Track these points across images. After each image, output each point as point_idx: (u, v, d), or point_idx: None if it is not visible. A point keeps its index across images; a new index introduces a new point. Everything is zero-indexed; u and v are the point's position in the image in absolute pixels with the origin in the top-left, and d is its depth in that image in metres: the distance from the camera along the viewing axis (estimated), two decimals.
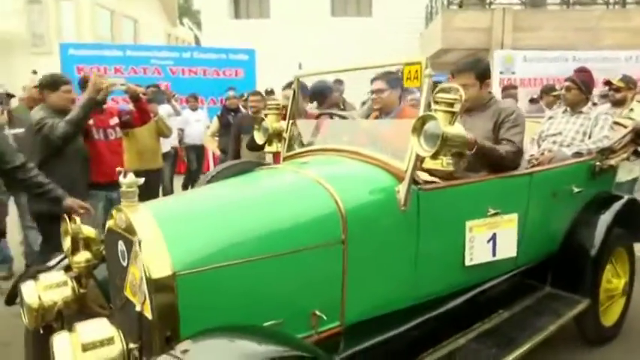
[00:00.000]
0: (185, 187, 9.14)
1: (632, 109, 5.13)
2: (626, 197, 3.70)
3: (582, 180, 3.50)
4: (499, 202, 2.88)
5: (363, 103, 6.14)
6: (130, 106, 4.96)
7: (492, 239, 2.89)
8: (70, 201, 3.27)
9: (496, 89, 13.20)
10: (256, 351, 1.87)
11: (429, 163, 2.39)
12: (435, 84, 2.52)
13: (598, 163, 3.57)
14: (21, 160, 3.26)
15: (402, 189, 2.47)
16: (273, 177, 2.74)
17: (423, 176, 2.67)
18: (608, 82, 5.30)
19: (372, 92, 3.72)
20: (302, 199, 2.42)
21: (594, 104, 5.17)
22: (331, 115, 3.35)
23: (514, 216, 2.96)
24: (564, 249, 3.44)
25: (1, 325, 3.86)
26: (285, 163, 3.10)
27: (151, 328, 1.97)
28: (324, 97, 4.97)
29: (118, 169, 2.68)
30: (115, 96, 7.01)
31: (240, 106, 7.92)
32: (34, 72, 15.04)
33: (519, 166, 3.16)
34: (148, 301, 1.91)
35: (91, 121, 4.32)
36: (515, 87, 9.47)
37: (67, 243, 2.51)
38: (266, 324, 2.15)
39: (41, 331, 2.38)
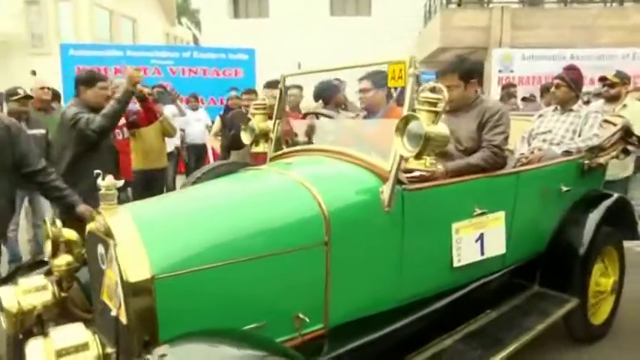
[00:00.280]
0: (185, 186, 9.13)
1: (625, 105, 5.10)
2: (615, 195, 3.67)
3: (571, 179, 3.48)
4: (485, 201, 2.86)
5: None
6: (137, 107, 5.01)
7: (480, 239, 2.87)
8: (83, 207, 3.24)
9: (494, 88, 13.24)
10: (234, 355, 1.86)
11: (412, 164, 2.36)
12: (420, 83, 2.49)
13: (587, 162, 3.55)
14: (42, 164, 3.26)
15: (386, 189, 2.45)
16: (256, 178, 2.71)
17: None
18: (603, 78, 5.26)
19: (359, 91, 3.70)
20: (284, 200, 2.40)
21: (586, 102, 5.15)
22: (317, 115, 3.32)
23: (501, 214, 2.95)
24: (553, 248, 3.42)
25: None
26: (269, 163, 3.08)
27: (128, 332, 1.95)
28: (329, 96, 4.96)
29: (96, 171, 2.66)
30: None
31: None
32: (33, 72, 15.01)
33: (505, 166, 3.14)
34: (123, 306, 1.89)
35: None
36: (514, 85, 9.45)
37: (47, 246, 2.48)
38: (248, 327, 2.13)
39: (21, 337, 2.35)
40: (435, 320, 2.80)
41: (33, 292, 2.37)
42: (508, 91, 8.34)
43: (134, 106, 5.05)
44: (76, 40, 19.05)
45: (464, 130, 3.11)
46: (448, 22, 17.22)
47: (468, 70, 3.16)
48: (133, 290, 1.90)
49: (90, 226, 2.26)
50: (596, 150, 3.61)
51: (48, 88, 5.61)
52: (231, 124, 5.64)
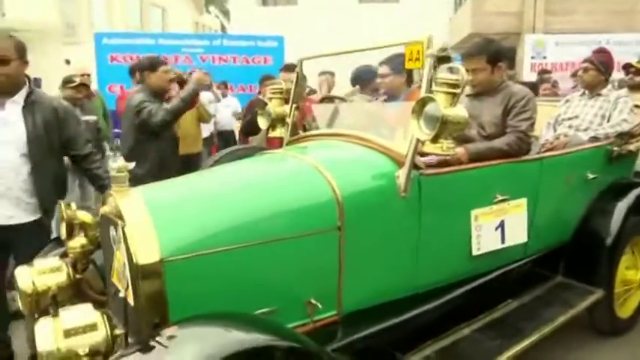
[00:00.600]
0: None
1: None
2: None
3: (598, 166, 3.36)
4: (507, 187, 2.78)
5: None
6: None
7: (501, 226, 2.79)
8: None
9: (527, 74, 12.96)
10: (243, 339, 1.82)
11: (429, 147, 2.29)
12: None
13: (616, 149, 3.42)
14: (87, 150, 3.32)
15: (401, 174, 2.39)
16: (270, 162, 2.68)
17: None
18: (628, 65, 5.07)
19: (379, 77, 3.63)
20: (297, 184, 2.35)
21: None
22: (332, 99, 3.27)
23: (523, 200, 2.85)
24: (578, 237, 3.32)
25: None
26: (285, 148, 3.04)
27: (137, 314, 1.94)
28: (367, 81, 4.92)
29: (108, 152, 2.68)
30: None
31: None
32: (67, 61, 15.24)
33: (530, 152, 3.03)
34: (131, 288, 1.88)
35: None
36: (549, 71, 9.22)
37: (62, 228, 2.50)
38: (259, 312, 2.11)
39: (37, 317, 2.37)
40: (453, 309, 2.74)
41: (48, 273, 2.39)
42: (543, 77, 8.09)
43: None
44: (108, 28, 19.29)
45: (487, 116, 3.02)
46: (480, 7, 16.93)
47: (495, 53, 3.06)
48: (142, 272, 1.89)
49: (103, 209, 2.26)
50: (625, 136, 3.48)
51: (88, 75, 5.70)
52: (249, 110, 5.66)
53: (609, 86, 3.81)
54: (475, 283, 2.83)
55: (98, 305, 2.43)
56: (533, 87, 6.52)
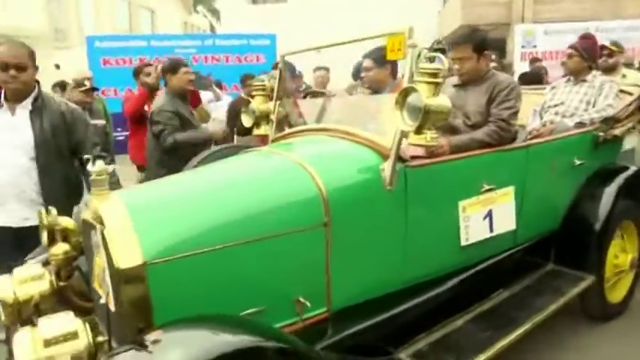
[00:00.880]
0: None
1: (624, 76, 4.95)
2: (633, 168, 3.52)
3: (584, 152, 3.35)
4: (494, 176, 2.76)
5: None
6: None
7: (489, 215, 2.77)
8: None
9: (518, 63, 12.97)
10: (229, 341, 1.79)
11: (412, 138, 2.27)
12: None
13: (601, 134, 3.41)
14: (95, 153, 3.24)
15: (387, 167, 2.36)
16: (253, 160, 2.64)
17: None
18: (603, 47, 5.05)
19: (362, 70, 3.60)
20: (281, 182, 2.32)
21: None
22: (315, 94, 3.24)
23: (510, 189, 2.84)
24: (567, 224, 3.31)
25: None
26: (269, 145, 3.00)
27: (120, 320, 1.91)
28: None
29: (86, 156, 2.64)
30: None
31: None
32: (57, 66, 15.15)
33: (514, 141, 3.01)
34: (111, 293, 1.85)
35: (146, 107, 4.66)
36: (540, 59, 9.19)
37: (44, 235, 2.45)
38: (246, 312, 2.07)
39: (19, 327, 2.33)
40: (445, 301, 2.73)
41: (29, 281, 2.32)
42: (536, 65, 8.02)
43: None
44: (96, 32, 19.20)
45: (472, 105, 3.00)
46: None
47: (481, 42, 3.05)
48: (124, 277, 1.84)
49: (84, 214, 2.22)
50: (610, 121, 3.46)
51: (89, 79, 5.69)
52: (233, 110, 5.64)
53: (594, 72, 3.79)
54: (466, 274, 2.81)
55: (84, 312, 2.42)
56: (539, 77, 6.45)
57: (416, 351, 2.49)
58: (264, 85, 3.19)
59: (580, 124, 3.40)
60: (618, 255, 3.46)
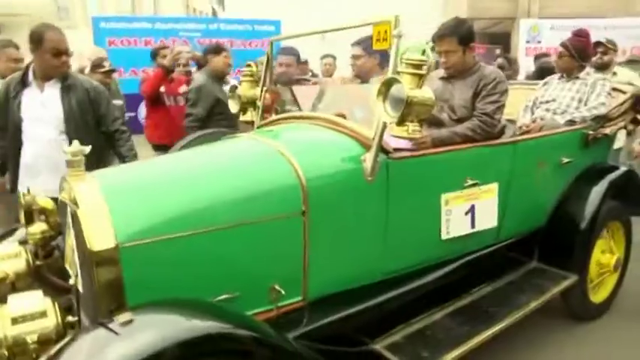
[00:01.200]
0: None
1: (614, 73, 4.93)
2: (622, 168, 3.49)
3: (573, 150, 3.31)
4: (478, 172, 2.73)
5: None
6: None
7: (471, 211, 2.74)
8: None
9: (522, 59, 12.88)
10: (198, 326, 1.77)
11: (394, 130, 2.25)
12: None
13: (591, 132, 3.36)
14: (116, 127, 3.55)
15: (368, 158, 2.33)
16: (234, 146, 2.60)
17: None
18: (598, 44, 5.00)
19: (351, 58, 3.56)
20: (261, 169, 2.30)
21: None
22: (299, 81, 3.21)
23: (494, 185, 2.80)
24: (552, 222, 3.28)
25: None
26: (253, 131, 2.98)
27: (93, 301, 1.90)
28: None
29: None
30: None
31: None
32: None
33: (501, 137, 2.99)
34: (79, 275, 1.84)
35: (162, 89, 4.86)
36: (548, 55, 9.08)
37: (21, 214, 2.44)
38: (220, 297, 2.07)
39: None
40: (424, 294, 2.71)
41: (5, 259, 2.33)
42: (541, 62, 7.83)
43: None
44: (100, 12, 19.09)
45: (458, 99, 2.97)
46: None
47: (466, 34, 2.98)
48: (97, 259, 1.83)
49: (61, 195, 2.20)
50: (602, 120, 3.43)
51: (106, 59, 5.68)
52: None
53: (588, 69, 3.74)
54: (447, 269, 2.80)
55: (62, 291, 2.41)
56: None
57: (392, 342, 2.48)
58: (251, 71, 3.16)
59: (570, 122, 3.36)
60: (603, 255, 3.44)
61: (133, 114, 6.65)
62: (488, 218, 2.83)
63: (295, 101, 3.57)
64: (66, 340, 1.67)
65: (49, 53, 3.18)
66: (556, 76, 3.83)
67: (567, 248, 3.20)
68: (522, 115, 3.73)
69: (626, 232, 3.60)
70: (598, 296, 3.54)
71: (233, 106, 3.18)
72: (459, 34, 2.94)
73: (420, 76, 2.18)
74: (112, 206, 1.93)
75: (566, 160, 3.23)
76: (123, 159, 3.54)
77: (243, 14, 17.18)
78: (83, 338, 1.66)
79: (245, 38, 11.44)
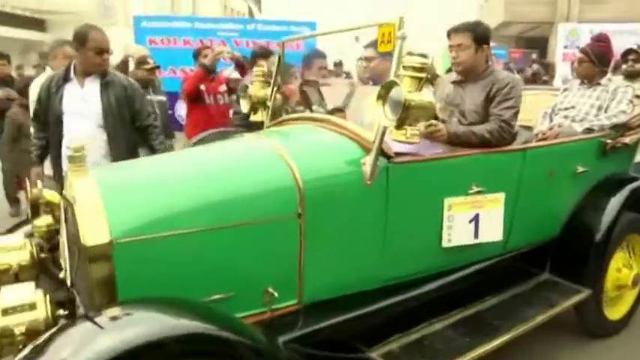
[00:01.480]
0: None
1: None
2: None
3: (590, 159, 3.18)
4: (484, 179, 2.65)
5: None
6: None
7: (475, 220, 2.66)
8: None
9: (560, 64, 12.58)
10: (181, 325, 1.77)
11: (393, 134, 2.21)
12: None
13: (609, 141, 3.23)
14: (149, 122, 3.72)
15: (368, 162, 2.30)
16: (234, 146, 2.61)
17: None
18: (628, 51, 4.80)
19: (364, 60, 3.52)
20: (258, 170, 2.29)
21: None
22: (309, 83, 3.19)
23: (500, 195, 2.71)
24: (566, 233, 3.16)
25: None
26: (259, 132, 2.97)
27: (86, 295, 1.93)
28: None
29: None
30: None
31: None
32: None
33: (512, 142, 2.90)
34: (68, 268, 1.86)
35: (203, 87, 4.97)
36: None
37: (28, 208, 2.50)
38: (213, 297, 2.07)
39: None
40: (425, 303, 2.66)
41: (10, 251, 2.39)
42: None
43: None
44: (141, 10, 19.52)
45: (469, 103, 2.90)
46: None
47: (482, 34, 2.92)
48: (91, 254, 1.86)
49: (64, 190, 2.24)
50: (622, 128, 3.29)
51: (150, 57, 5.85)
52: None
53: (609, 75, 3.60)
54: (449, 278, 2.73)
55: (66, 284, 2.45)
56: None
57: (388, 351, 2.43)
58: (263, 71, 3.17)
59: (589, 130, 3.23)
60: (622, 270, 3.30)
61: (169, 112, 6.80)
62: (493, 231, 2.74)
63: (322, 101, 3.56)
64: (52, 331, 1.70)
65: (92, 51, 3.39)
66: (577, 82, 3.71)
67: (581, 260, 3.08)
68: (541, 122, 3.62)
69: None
70: (615, 312, 3.39)
71: (244, 106, 3.19)
72: (474, 32, 2.89)
73: (420, 80, 2.14)
74: (108, 202, 1.95)
75: (581, 169, 3.11)
76: (154, 151, 3.68)
77: (280, 15, 17.33)
78: (68, 330, 1.68)
79: (279, 39, 11.53)
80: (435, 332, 2.60)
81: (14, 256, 2.38)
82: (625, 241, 3.32)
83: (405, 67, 2.16)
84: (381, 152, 2.32)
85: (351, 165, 2.34)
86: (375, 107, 2.23)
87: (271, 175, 2.25)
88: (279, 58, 3.10)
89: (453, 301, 2.76)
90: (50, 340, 1.62)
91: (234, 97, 5.26)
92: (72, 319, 1.98)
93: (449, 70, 3.48)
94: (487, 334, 2.60)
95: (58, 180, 3.48)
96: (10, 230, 2.71)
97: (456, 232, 2.61)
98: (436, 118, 3.15)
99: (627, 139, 3.26)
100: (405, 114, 2.10)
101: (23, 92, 5.30)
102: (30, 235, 2.56)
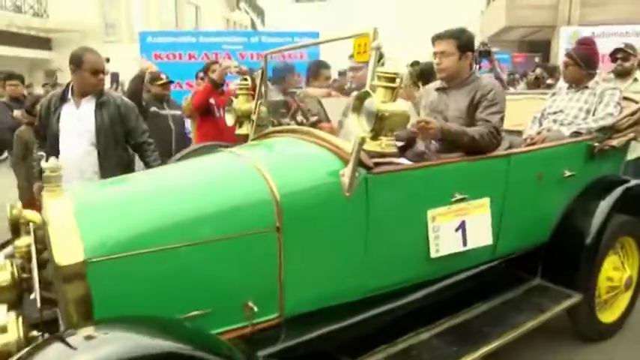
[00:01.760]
0: None
1: (636, 79, 4.69)
2: (632, 182, 3.29)
3: (578, 162, 3.15)
4: (467, 186, 2.62)
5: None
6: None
7: (461, 227, 2.64)
8: None
9: (562, 67, 12.53)
10: (155, 345, 1.76)
11: (369, 145, 2.19)
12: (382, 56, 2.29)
13: (597, 144, 3.19)
14: (143, 139, 3.77)
15: (346, 173, 2.28)
16: (212, 161, 2.60)
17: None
18: (617, 51, 4.77)
19: (349, 70, 3.52)
20: (235, 184, 2.29)
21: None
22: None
23: (485, 200, 2.69)
24: (556, 237, 3.13)
25: None
26: (241, 145, 2.96)
27: (62, 315, 1.92)
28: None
29: (39, 153, 2.70)
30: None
31: None
32: (107, 60, 15.71)
33: (498, 148, 2.87)
34: (37, 291, 1.86)
35: (212, 101, 5.03)
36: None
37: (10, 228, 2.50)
38: (192, 314, 2.05)
39: None
40: (412, 312, 2.63)
41: None
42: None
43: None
44: (144, 26, 19.71)
45: (453, 110, 2.88)
46: (514, 0, 16.61)
47: (467, 41, 2.90)
48: (65, 274, 1.86)
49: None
50: (609, 131, 3.25)
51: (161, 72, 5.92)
52: None
53: (596, 78, 3.57)
54: (437, 286, 2.71)
55: (51, 304, 2.45)
56: None
57: None
58: (247, 84, 3.17)
59: (576, 134, 3.20)
60: (614, 272, 3.26)
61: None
62: (481, 235, 2.72)
63: (324, 113, 3.56)
64: (21, 353, 1.69)
65: (88, 72, 3.50)
66: (565, 86, 3.67)
67: (572, 264, 3.04)
68: (530, 127, 3.58)
69: None
70: (608, 316, 3.35)
71: (229, 120, 3.19)
72: (458, 39, 2.87)
73: (393, 89, 2.13)
74: (82, 222, 1.95)
75: (569, 172, 3.08)
76: (150, 168, 3.68)
77: (283, 25, 17.44)
78: (41, 351, 1.67)
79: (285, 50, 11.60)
80: (422, 342, 2.57)
81: None
82: (617, 244, 3.28)
83: (378, 78, 2.15)
84: (360, 163, 2.31)
85: (329, 177, 2.32)
86: (351, 118, 2.23)
87: (248, 189, 2.24)
88: (263, 69, 3.09)
89: (441, 309, 2.74)
90: None
91: None
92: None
93: None
94: (475, 342, 2.57)
95: None
96: None
97: (444, 241, 2.59)
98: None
99: (615, 142, 3.22)
100: (379, 124, 2.09)
101: (31, 111, 5.37)
102: (11, 256, 2.56)
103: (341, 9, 20.74)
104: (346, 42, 2.89)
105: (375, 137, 2.16)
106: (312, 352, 2.33)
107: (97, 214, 2.06)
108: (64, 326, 2.07)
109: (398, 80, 2.13)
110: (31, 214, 2.55)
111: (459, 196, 2.59)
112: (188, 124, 6.29)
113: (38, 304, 1.90)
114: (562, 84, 3.78)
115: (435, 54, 2.94)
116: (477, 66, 8.02)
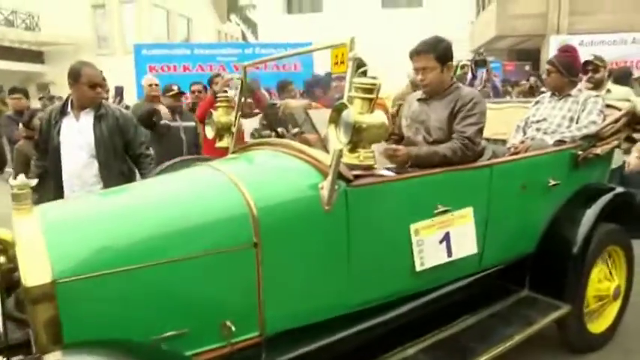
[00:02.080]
0: None
1: (609, 90, 4.70)
2: (618, 190, 3.26)
3: (562, 171, 3.11)
4: (449, 197, 2.58)
5: None
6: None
7: (446, 239, 2.59)
8: None
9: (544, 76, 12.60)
10: None
11: (347, 157, 2.14)
12: (360, 66, 2.24)
13: (580, 152, 3.15)
14: (139, 151, 3.85)
15: (325, 186, 2.23)
16: (187, 176, 2.55)
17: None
18: (586, 63, 4.79)
19: (334, 80, 3.48)
20: (210, 199, 2.23)
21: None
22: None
23: (468, 210, 2.64)
24: (542, 247, 3.08)
25: None
26: (220, 159, 2.91)
27: (34, 336, 1.86)
28: None
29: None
30: None
31: None
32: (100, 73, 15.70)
33: (479, 159, 2.83)
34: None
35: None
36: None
37: None
38: (167, 334, 1.99)
39: None
40: (398, 327, 2.58)
41: None
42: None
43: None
44: (137, 39, 19.77)
45: (434, 120, 2.83)
46: (504, 10, 16.77)
47: (445, 51, 2.83)
48: (32, 295, 1.80)
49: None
50: (593, 139, 3.22)
51: (157, 85, 5.90)
52: None
53: (579, 86, 3.54)
54: (422, 300, 2.65)
55: (24, 325, 2.38)
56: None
57: None
58: (227, 97, 3.12)
59: (560, 142, 3.16)
60: (602, 282, 3.21)
61: None
62: (466, 245, 2.67)
63: (312, 124, 3.51)
64: None
65: (86, 85, 3.56)
66: (548, 94, 3.64)
67: (559, 275, 2.99)
68: (514, 136, 3.54)
69: (628, 257, 3.36)
70: (597, 326, 3.30)
71: (209, 132, 3.14)
72: (436, 51, 2.81)
73: (371, 101, 2.08)
74: (51, 241, 1.90)
75: (554, 181, 3.04)
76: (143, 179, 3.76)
77: (276, 36, 17.51)
78: None
79: (279, 62, 11.67)
80: (408, 357, 2.51)
81: None
82: (604, 253, 3.23)
83: (355, 89, 2.10)
84: (340, 175, 2.25)
85: (308, 190, 2.27)
86: (329, 130, 2.18)
87: (224, 203, 2.19)
88: (242, 82, 3.05)
89: (428, 323, 2.68)
90: None
91: None
92: None
93: None
94: (463, 357, 2.53)
95: None
96: None
97: (428, 254, 2.54)
98: (402, 137, 3.11)
99: (599, 150, 3.18)
100: (357, 137, 2.05)
101: (29, 125, 5.34)
102: None
103: (333, 20, 20.80)
104: None
105: (352, 149, 2.12)
106: None
107: (66, 232, 2.01)
108: (35, 349, 2.02)
109: (375, 91, 2.09)
110: (2, 233, 2.48)
111: (441, 208, 2.54)
112: None
113: (0, 329, 1.83)
114: (545, 93, 3.75)
115: (416, 70, 2.90)
116: (472, 75, 8.04)
